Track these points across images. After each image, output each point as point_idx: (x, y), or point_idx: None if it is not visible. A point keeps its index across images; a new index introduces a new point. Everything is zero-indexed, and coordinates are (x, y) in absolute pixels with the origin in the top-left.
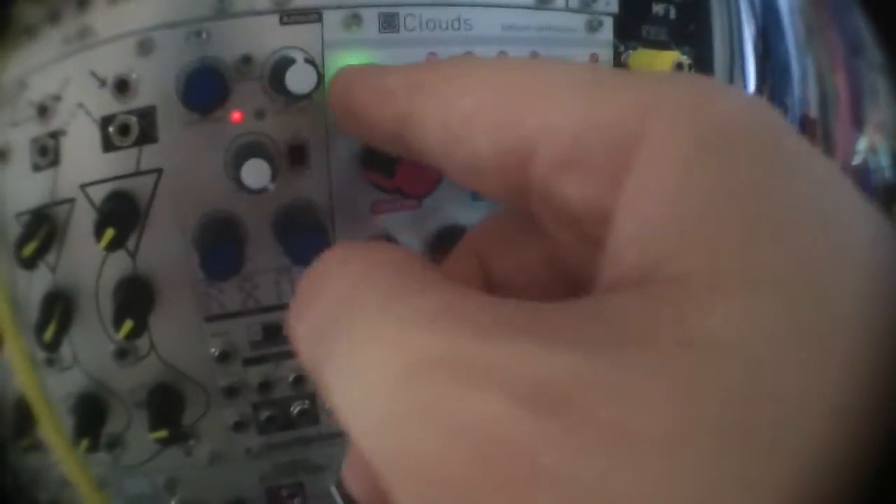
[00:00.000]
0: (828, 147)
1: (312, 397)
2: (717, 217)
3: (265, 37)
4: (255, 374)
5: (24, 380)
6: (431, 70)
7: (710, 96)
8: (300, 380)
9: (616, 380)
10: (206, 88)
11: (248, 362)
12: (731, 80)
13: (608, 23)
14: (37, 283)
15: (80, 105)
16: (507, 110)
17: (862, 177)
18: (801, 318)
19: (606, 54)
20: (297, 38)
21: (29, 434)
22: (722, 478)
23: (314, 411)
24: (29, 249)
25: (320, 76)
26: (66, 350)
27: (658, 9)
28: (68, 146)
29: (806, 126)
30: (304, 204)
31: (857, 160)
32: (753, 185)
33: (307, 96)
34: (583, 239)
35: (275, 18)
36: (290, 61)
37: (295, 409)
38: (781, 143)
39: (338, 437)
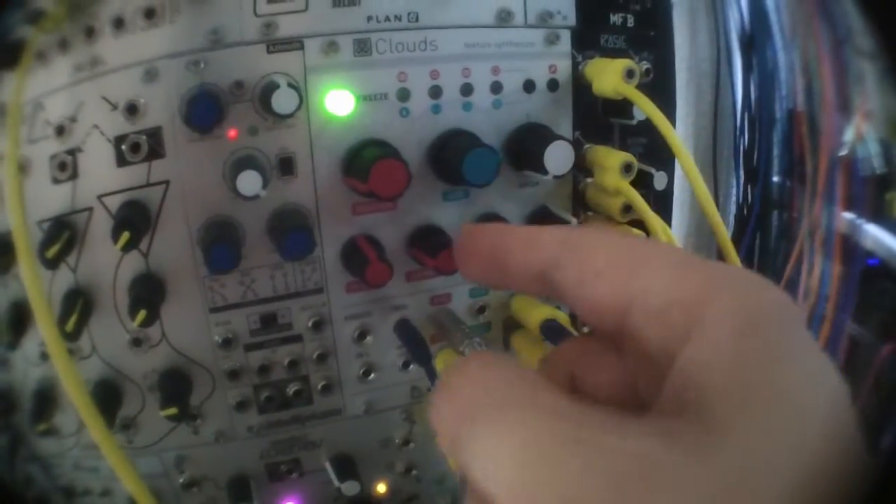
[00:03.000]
0: (814, 139)
1: (306, 379)
2: (747, 382)
3: (254, 64)
4: (254, 359)
5: (59, 366)
6: (574, 232)
7: (758, 286)
8: (294, 363)
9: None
10: (204, 111)
11: (249, 348)
12: (717, 75)
13: (566, 35)
14: (59, 282)
15: (95, 126)
16: (623, 273)
17: (850, 167)
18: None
19: (565, 65)
20: (283, 64)
21: (46, 420)
22: None
23: (307, 392)
24: (52, 252)
25: (302, 98)
26: (85, 342)
27: (615, 18)
28: (85, 162)
29: (794, 120)
30: (292, 208)
31: (844, 150)
32: (776, 363)
33: (291, 116)
34: (649, 370)
35: (262, 48)
36: (275, 86)
37: (290, 389)
38: (798, 332)
39: (330, 416)
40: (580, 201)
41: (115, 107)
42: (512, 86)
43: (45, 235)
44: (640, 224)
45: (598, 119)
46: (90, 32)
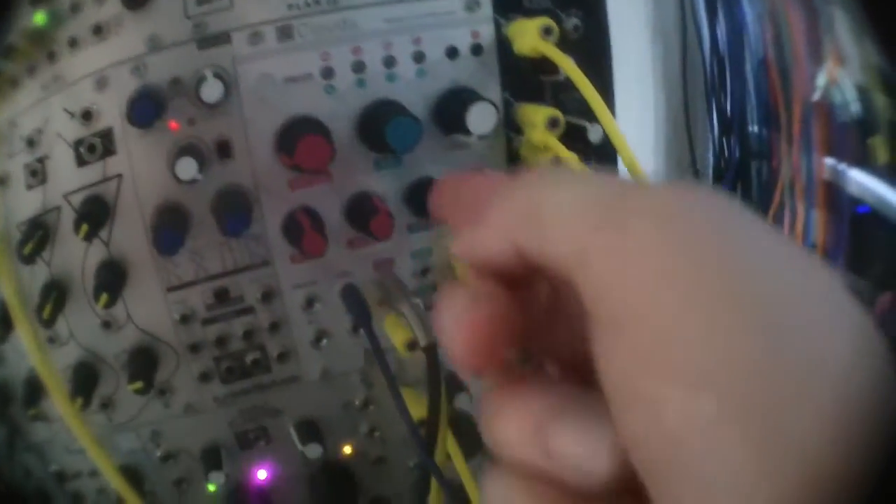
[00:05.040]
0: (786, 85)
1: (262, 348)
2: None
3: (188, 61)
4: (211, 332)
5: (33, 356)
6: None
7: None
8: (249, 334)
9: None
10: (143, 110)
11: (206, 322)
12: (683, 30)
13: (486, 1)
14: (37, 276)
15: (58, 134)
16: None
17: (827, 112)
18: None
19: (488, 30)
20: (214, 58)
21: (37, 405)
22: None
23: (265, 360)
24: (28, 249)
25: (228, 87)
26: (63, 329)
27: None
28: (52, 167)
29: (767, 67)
30: (233, 188)
31: (818, 96)
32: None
33: (220, 104)
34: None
35: (194, 46)
36: (203, 78)
37: (248, 359)
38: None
39: (289, 382)
40: (515, 160)
41: (73, 115)
42: (435, 54)
43: (21, 236)
44: None
45: (528, 79)
46: (51, 56)
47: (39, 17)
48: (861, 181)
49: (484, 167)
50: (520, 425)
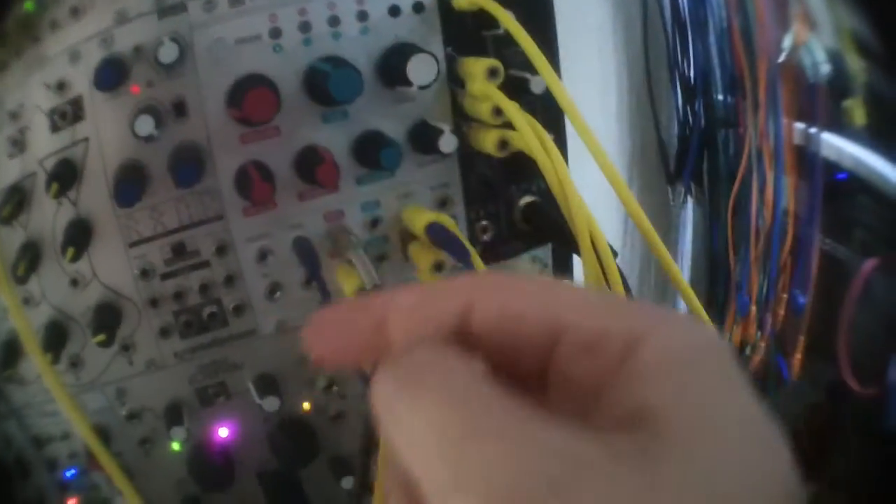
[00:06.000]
0: (749, 51)
1: (218, 302)
2: (696, 404)
3: (149, 30)
4: (170, 286)
5: (14, 316)
6: (486, 276)
7: (693, 323)
8: (205, 287)
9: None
10: (106, 75)
11: (164, 277)
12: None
13: None
14: (14, 239)
15: (37, 106)
16: (550, 308)
17: (795, 74)
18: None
19: None
20: (171, 27)
21: (13, 366)
22: None
23: (222, 314)
24: (6, 212)
25: (183, 50)
26: (35, 289)
27: None
28: (30, 137)
29: (730, 34)
30: (189, 144)
31: (783, 57)
32: (721, 393)
33: (176, 66)
34: (572, 406)
35: (154, 16)
36: (160, 42)
37: (205, 312)
38: (735, 370)
39: (245, 336)
40: (459, 113)
41: (49, 87)
42: (378, 13)
43: (1, 200)
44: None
45: (470, 34)
46: (35, 39)
47: (28, 4)
48: (837, 145)
49: (426, 120)
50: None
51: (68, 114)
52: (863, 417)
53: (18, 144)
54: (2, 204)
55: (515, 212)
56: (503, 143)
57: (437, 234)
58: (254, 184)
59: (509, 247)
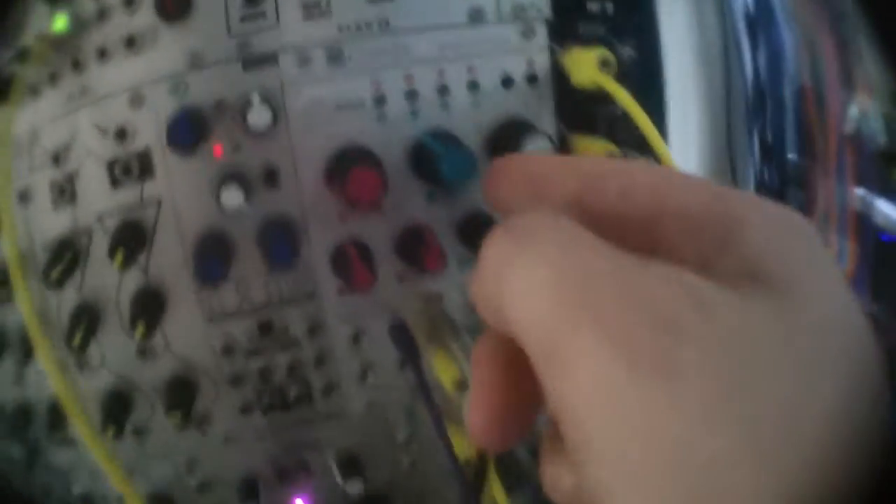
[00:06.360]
0: (821, 114)
1: (306, 382)
2: (808, 263)
3: (233, 82)
4: (254, 364)
5: (54, 382)
6: (610, 159)
7: (790, 211)
8: (293, 368)
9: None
10: (184, 133)
11: (248, 354)
12: (726, 57)
13: (542, 28)
14: (66, 301)
15: (89, 152)
16: (662, 190)
17: (858, 146)
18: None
19: (542, 58)
20: (260, 80)
21: (62, 430)
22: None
23: (308, 394)
24: (56, 273)
25: (276, 113)
26: (94, 354)
27: (593, 6)
28: (82, 186)
29: (804, 96)
30: (280, 218)
31: (850, 128)
32: (822, 262)
33: (267, 131)
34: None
35: (238, 66)
36: (249, 104)
37: (292, 393)
38: (822, 248)
39: (332, 417)
40: None
41: (105, 132)
42: (489, 83)
43: (49, 258)
44: None
45: (583, 109)
46: (76, 65)
47: (60, 22)
48: (885, 211)
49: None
50: None
51: (133, 168)
52: None
53: (66, 194)
54: (50, 263)
55: None
56: None
57: None
58: (354, 270)
59: None
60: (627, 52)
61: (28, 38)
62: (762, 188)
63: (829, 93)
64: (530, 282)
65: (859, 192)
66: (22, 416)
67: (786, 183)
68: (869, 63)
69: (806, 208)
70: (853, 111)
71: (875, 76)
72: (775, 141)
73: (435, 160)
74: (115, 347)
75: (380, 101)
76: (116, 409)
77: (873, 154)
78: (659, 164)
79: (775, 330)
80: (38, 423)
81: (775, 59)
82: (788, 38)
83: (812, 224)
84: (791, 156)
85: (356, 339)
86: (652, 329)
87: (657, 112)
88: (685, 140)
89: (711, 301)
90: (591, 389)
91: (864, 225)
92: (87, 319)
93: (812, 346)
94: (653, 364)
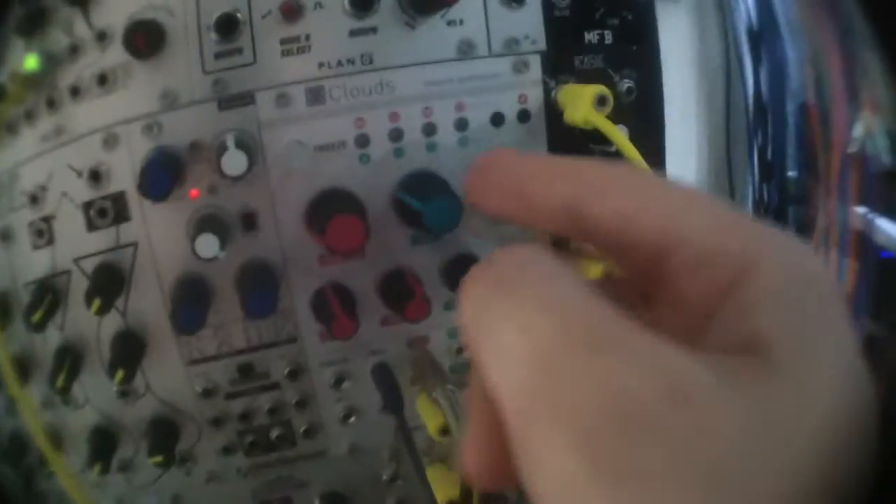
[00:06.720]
0: (825, 131)
1: (287, 423)
2: (807, 335)
3: (208, 123)
4: (235, 406)
5: (30, 424)
6: (607, 165)
7: (805, 251)
8: (274, 410)
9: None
10: (156, 180)
11: (229, 396)
12: (727, 72)
13: (535, 61)
14: (49, 341)
15: (65, 194)
16: (667, 213)
17: (861, 165)
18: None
19: (536, 93)
20: (236, 120)
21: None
22: None
23: (290, 435)
24: (37, 316)
25: (252, 155)
26: (78, 392)
27: (591, 37)
28: (59, 228)
29: (807, 113)
30: (259, 262)
31: (854, 147)
32: (828, 322)
33: (245, 175)
34: (678, 318)
35: (213, 106)
36: (224, 148)
37: (273, 434)
38: (838, 303)
39: (314, 457)
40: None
41: (80, 174)
42: (479, 121)
43: (29, 300)
44: None
45: (578, 146)
46: (51, 103)
47: (31, 61)
48: (887, 230)
49: (526, 241)
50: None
51: (108, 212)
52: None
53: (45, 235)
54: (30, 307)
55: None
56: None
57: None
58: (336, 319)
59: None
60: (626, 85)
61: (3, 75)
62: (760, 205)
63: (834, 109)
64: (501, 345)
65: (860, 210)
66: (18, 445)
67: (785, 200)
68: (875, 79)
69: (805, 225)
70: (857, 129)
71: (881, 92)
72: (776, 157)
73: (418, 218)
74: (98, 387)
75: (362, 141)
76: (102, 445)
77: (877, 173)
78: None
79: (752, 426)
80: (32, 453)
81: (778, 74)
82: (792, 54)
83: (831, 280)
84: (791, 173)
85: (338, 382)
86: (617, 427)
87: (655, 129)
88: (683, 155)
89: (686, 390)
90: (556, 485)
91: (864, 243)
92: (70, 360)
93: (790, 442)
94: (616, 466)
